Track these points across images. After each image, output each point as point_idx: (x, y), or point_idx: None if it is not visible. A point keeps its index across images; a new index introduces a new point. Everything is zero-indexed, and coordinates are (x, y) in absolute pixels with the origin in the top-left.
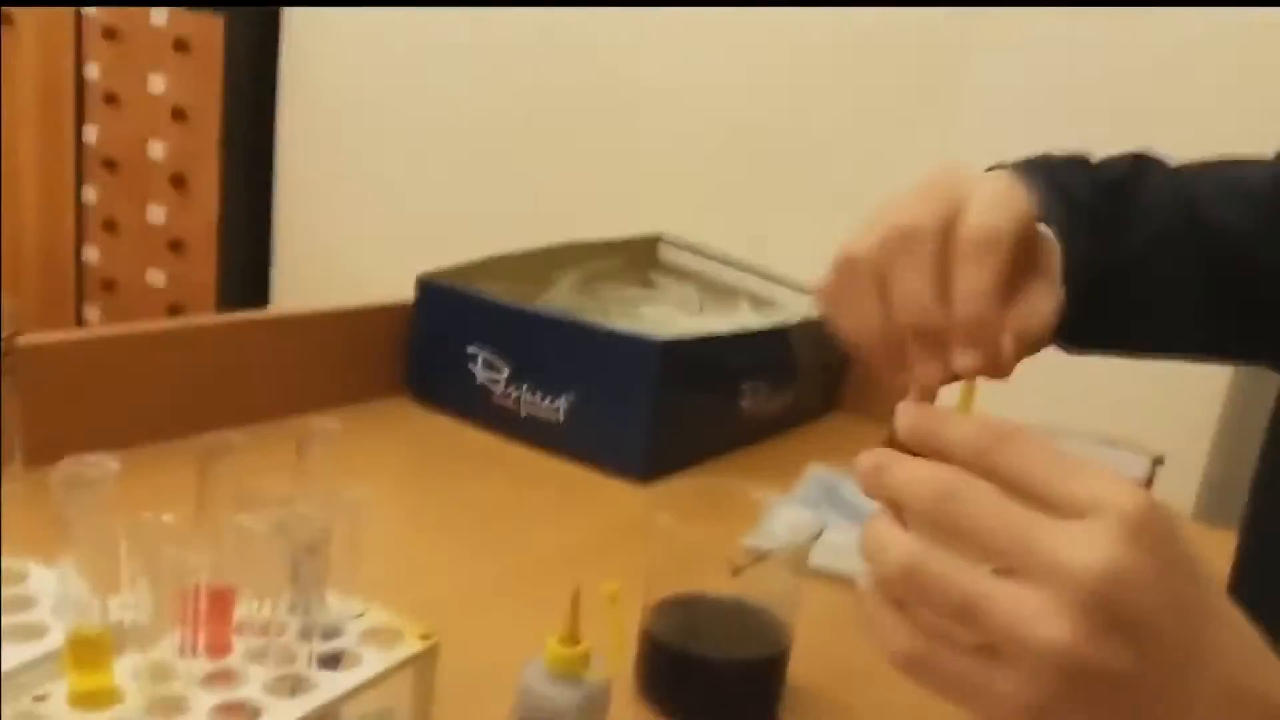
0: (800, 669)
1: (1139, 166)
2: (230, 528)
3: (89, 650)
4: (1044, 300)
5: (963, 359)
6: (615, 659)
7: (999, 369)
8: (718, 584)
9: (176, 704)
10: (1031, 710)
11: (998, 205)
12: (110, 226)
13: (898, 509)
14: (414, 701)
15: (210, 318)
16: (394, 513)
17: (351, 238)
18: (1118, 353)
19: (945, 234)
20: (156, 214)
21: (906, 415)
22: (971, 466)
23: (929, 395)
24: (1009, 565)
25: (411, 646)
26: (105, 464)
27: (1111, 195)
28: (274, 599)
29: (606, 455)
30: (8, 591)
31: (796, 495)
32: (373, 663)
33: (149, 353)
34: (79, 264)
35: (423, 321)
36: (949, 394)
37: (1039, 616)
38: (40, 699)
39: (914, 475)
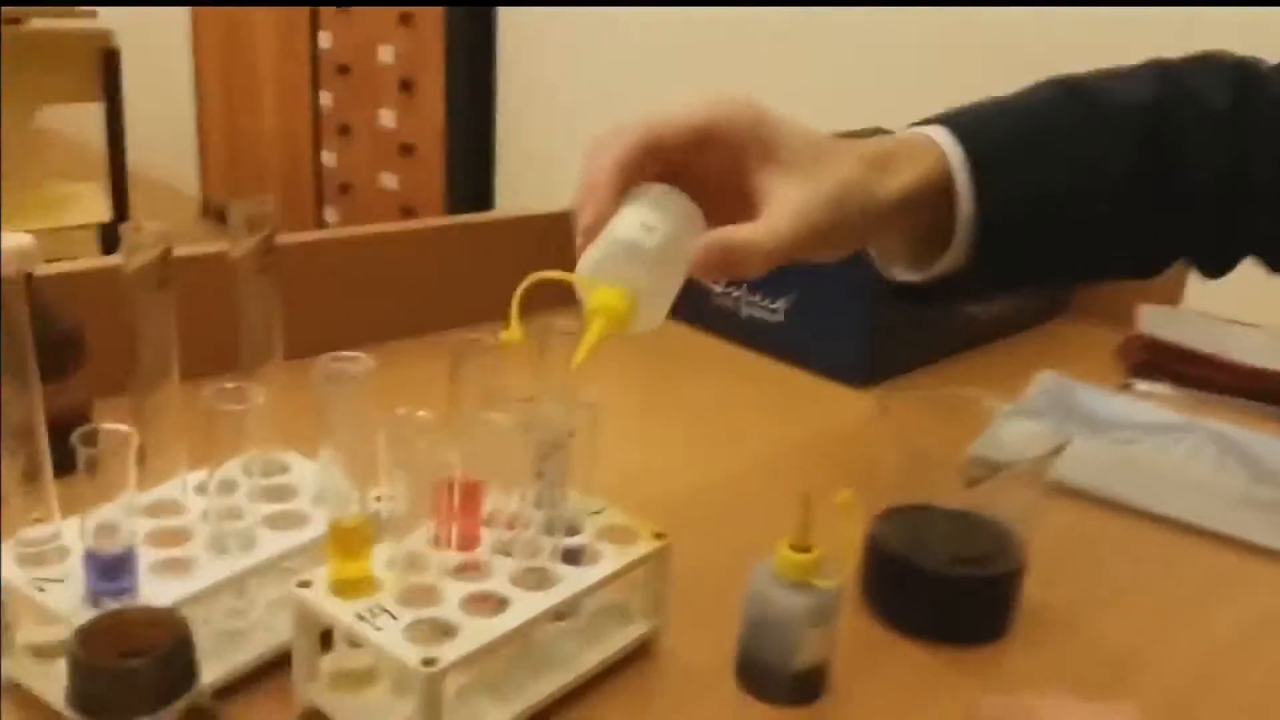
0: (1034, 588)
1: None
2: (480, 424)
3: (348, 540)
4: (769, 221)
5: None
6: (846, 568)
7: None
8: (948, 495)
9: (429, 593)
10: None
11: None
12: (345, 131)
13: None
14: (647, 598)
15: (443, 219)
16: (619, 414)
17: (570, 142)
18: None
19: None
20: (387, 118)
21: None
22: None
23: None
24: None
25: (646, 545)
26: (363, 360)
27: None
28: (520, 494)
29: (825, 358)
30: (270, 482)
31: (1026, 404)
32: (610, 560)
33: (386, 252)
34: (317, 167)
35: None
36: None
37: None
38: (304, 584)
39: None
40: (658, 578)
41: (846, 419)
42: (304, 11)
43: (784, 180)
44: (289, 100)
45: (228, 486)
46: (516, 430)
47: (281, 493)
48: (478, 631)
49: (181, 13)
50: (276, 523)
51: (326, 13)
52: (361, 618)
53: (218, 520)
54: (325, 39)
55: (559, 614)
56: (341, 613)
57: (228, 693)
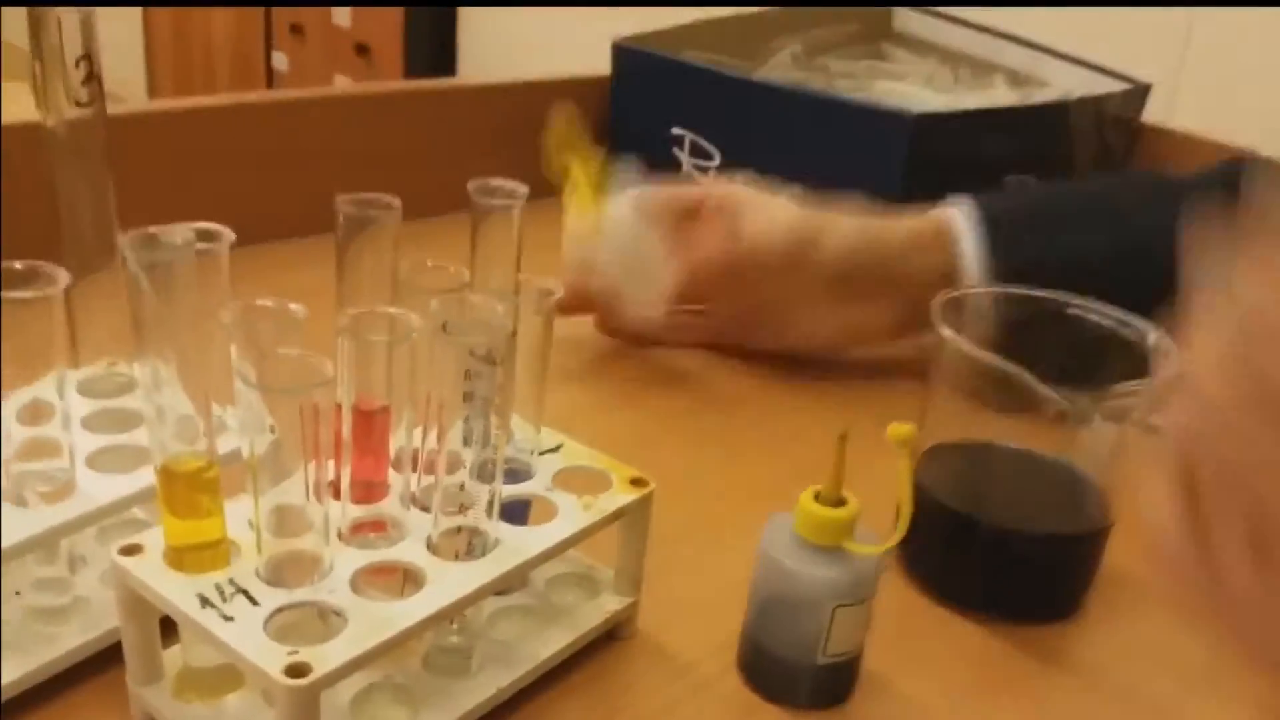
0: (1117, 549)
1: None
2: (381, 324)
3: (186, 488)
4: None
5: None
6: (900, 527)
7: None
8: (1012, 430)
9: (308, 563)
10: None
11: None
12: (296, 30)
13: None
14: (620, 564)
15: (396, 84)
16: (584, 319)
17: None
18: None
19: None
20: (341, 16)
21: None
22: None
23: None
24: None
25: (620, 495)
26: (219, 232)
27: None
28: (442, 425)
29: None
30: (102, 405)
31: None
32: (570, 516)
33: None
34: (269, 70)
35: (620, 96)
36: None
37: None
38: (129, 551)
39: None
40: (635, 539)
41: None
42: None
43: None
44: None
45: (35, 412)
46: (435, 334)
47: (120, 420)
48: (378, 621)
49: None
50: (109, 462)
51: None
52: (206, 601)
53: (18, 459)
54: None
55: (498, 590)
56: (178, 593)
57: (39, 696)
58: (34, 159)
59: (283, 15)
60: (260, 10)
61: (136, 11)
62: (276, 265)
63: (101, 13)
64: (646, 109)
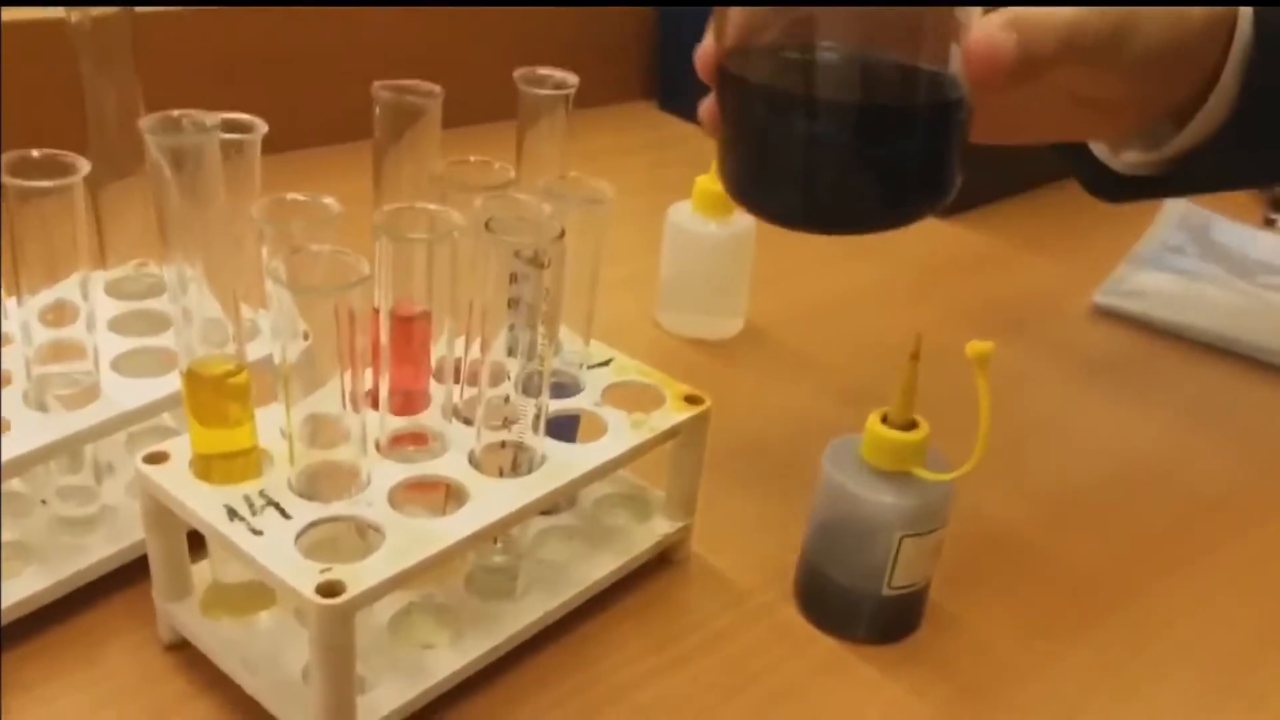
0: (1155, 461)
1: None
2: (421, 221)
3: (215, 394)
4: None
5: None
6: (977, 452)
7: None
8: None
9: (344, 476)
10: None
11: None
12: None
13: None
14: (673, 485)
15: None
16: (629, 232)
17: None
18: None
19: None
20: None
21: None
22: None
23: None
24: None
25: (675, 412)
26: (252, 122)
27: None
28: (485, 333)
29: None
30: (130, 307)
31: (1156, 240)
32: (621, 433)
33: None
34: None
35: (667, 21)
36: None
37: None
38: (155, 459)
39: None
40: (689, 459)
41: (925, 250)
42: None
43: None
44: None
45: (58, 313)
46: (476, 230)
47: (149, 322)
48: (417, 538)
49: None
50: (137, 365)
51: None
52: (234, 514)
53: (40, 361)
54: None
55: (545, 509)
56: (204, 504)
57: (64, 609)
58: (59, 58)
59: None
60: None
61: None
62: (312, 173)
63: None
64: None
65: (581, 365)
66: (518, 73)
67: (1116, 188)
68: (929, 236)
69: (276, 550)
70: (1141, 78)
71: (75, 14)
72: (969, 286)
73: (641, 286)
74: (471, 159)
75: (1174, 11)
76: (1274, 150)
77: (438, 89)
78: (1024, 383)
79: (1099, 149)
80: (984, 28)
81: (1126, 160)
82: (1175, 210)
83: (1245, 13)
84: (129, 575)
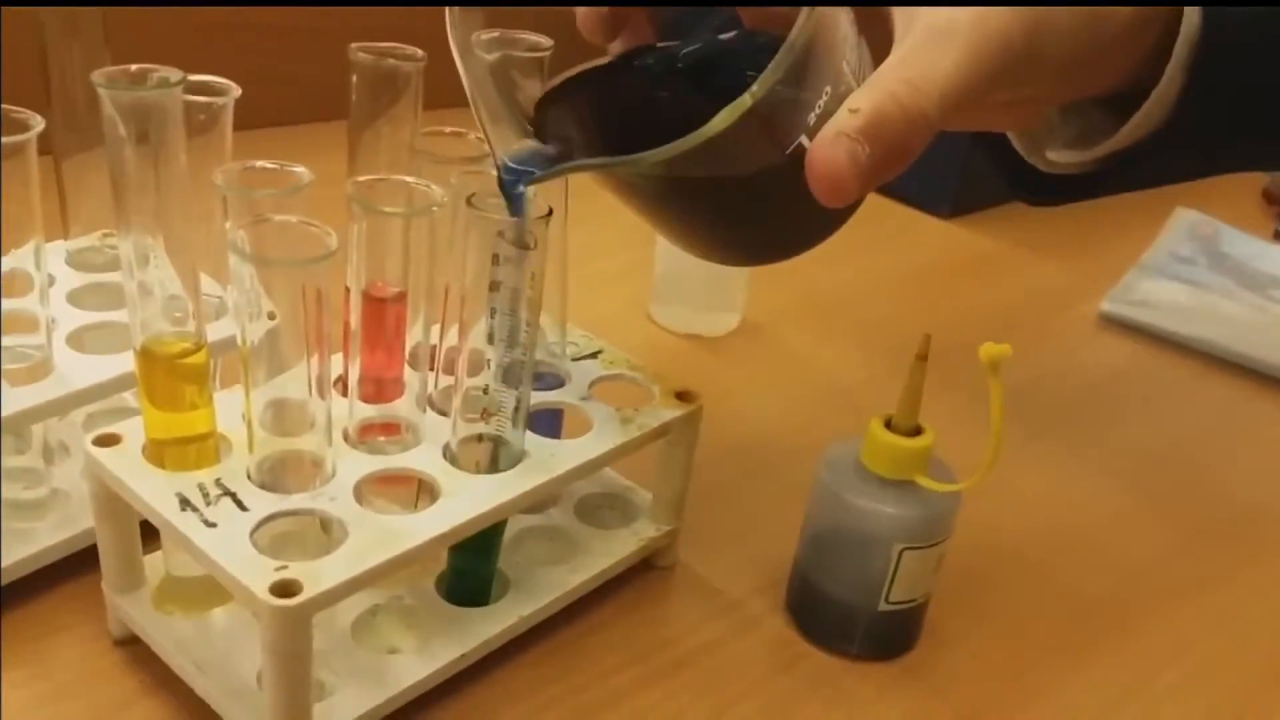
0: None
1: None
2: (397, 194)
3: (170, 375)
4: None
5: None
6: (988, 460)
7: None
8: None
9: (307, 466)
10: None
11: None
12: None
13: None
14: (660, 486)
15: None
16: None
17: None
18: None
19: None
20: None
21: None
22: None
23: None
24: None
25: (664, 409)
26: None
27: None
28: (464, 318)
29: (908, 183)
30: (90, 280)
31: (1164, 248)
32: (607, 430)
33: None
34: None
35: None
36: None
37: None
38: (105, 441)
39: None
40: (678, 459)
41: (934, 252)
42: None
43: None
44: None
45: (10, 283)
46: (456, 206)
47: (112, 296)
48: (383, 536)
49: None
50: (96, 341)
51: None
52: (187, 503)
53: None
54: None
55: (523, 508)
56: (155, 492)
57: (7, 599)
58: (21, 21)
59: None
60: None
61: None
62: (289, 150)
63: None
64: None
65: (566, 355)
66: (488, 36)
67: (1038, 187)
68: (934, 237)
69: (229, 544)
70: (1050, 83)
71: None
72: (973, 289)
73: (635, 279)
74: (446, 130)
75: (1091, 12)
76: (1216, 147)
77: (420, 53)
78: (1027, 390)
79: (1019, 143)
80: (821, 142)
81: (1054, 159)
82: (1184, 219)
83: (1192, 11)
84: (78, 565)
